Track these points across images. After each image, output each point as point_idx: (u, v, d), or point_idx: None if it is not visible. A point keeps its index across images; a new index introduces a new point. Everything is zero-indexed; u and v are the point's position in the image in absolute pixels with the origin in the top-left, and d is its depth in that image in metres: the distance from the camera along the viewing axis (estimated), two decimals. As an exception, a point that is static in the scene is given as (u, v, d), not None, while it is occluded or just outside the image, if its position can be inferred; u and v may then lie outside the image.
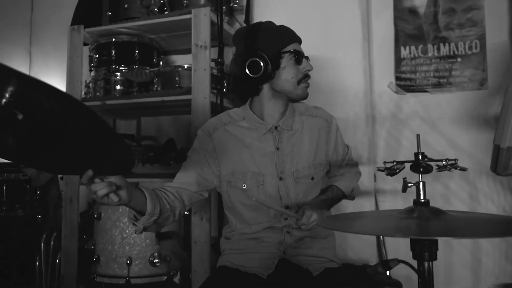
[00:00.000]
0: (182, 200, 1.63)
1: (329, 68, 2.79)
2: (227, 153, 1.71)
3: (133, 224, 1.49)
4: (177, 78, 2.61)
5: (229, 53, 2.83)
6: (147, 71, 2.82)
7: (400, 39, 2.73)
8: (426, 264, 1.03)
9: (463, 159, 2.45)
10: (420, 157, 1.08)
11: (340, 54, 2.81)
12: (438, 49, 2.66)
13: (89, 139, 1.08)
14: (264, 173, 1.69)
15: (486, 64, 2.57)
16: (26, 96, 0.96)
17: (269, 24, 1.74)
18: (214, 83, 2.49)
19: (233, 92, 2.11)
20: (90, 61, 2.91)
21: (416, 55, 2.70)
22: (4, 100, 0.95)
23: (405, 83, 2.71)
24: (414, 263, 1.07)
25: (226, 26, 2.64)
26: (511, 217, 1.10)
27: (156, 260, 2.38)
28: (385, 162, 1.13)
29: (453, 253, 2.57)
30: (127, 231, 2.40)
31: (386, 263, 1.07)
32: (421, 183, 1.06)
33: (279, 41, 1.66)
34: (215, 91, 2.48)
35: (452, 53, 2.64)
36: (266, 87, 1.69)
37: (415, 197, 1.11)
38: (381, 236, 2.62)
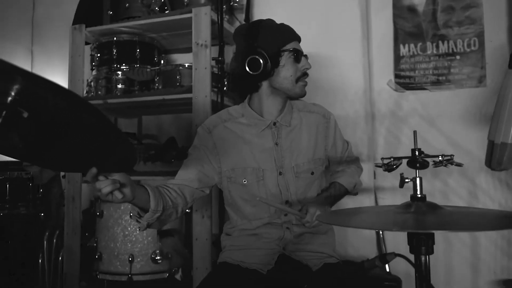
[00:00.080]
0: (184, 196, 1.65)
1: (329, 66, 2.81)
2: (227, 149, 1.74)
3: (137, 221, 1.51)
4: (178, 77, 2.63)
5: (230, 51, 2.85)
6: (148, 70, 2.85)
7: (399, 37, 2.75)
8: (423, 258, 1.05)
9: (461, 156, 2.47)
10: (417, 153, 1.10)
11: (339, 52, 2.83)
12: (437, 46, 2.68)
13: (93, 137, 1.09)
14: (264, 169, 1.71)
15: (485, 62, 2.59)
16: (32, 94, 0.97)
17: (270, 22, 1.75)
18: (214, 81, 2.51)
19: (233, 89, 2.14)
20: (92, 60, 2.93)
21: (415, 53, 2.72)
22: (10, 98, 0.97)
23: (404, 81, 2.73)
24: (412, 258, 1.09)
25: (226, 25, 2.66)
26: (507, 212, 1.12)
27: (158, 257, 2.39)
28: (382, 158, 1.16)
29: (452, 249, 2.59)
30: (129, 228, 2.42)
31: (384, 257, 1.09)
32: (417, 179, 1.08)
33: (279, 39, 1.68)
34: (215, 89, 2.50)
35: (450, 50, 2.66)
36: (265, 84, 1.72)
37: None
38: (380, 233, 2.64)
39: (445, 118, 2.65)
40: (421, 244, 1.04)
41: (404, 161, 1.16)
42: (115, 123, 3.37)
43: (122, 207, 2.42)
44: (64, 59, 2.89)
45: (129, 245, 2.40)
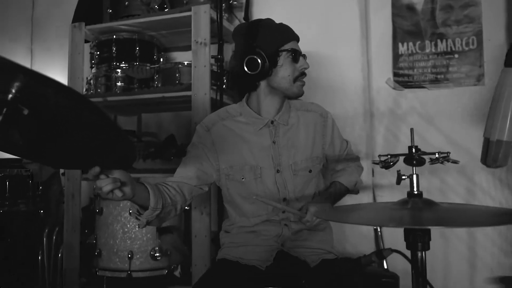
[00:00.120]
0: (183, 194, 1.67)
1: (328, 65, 2.82)
2: (226, 147, 1.75)
3: (136, 218, 1.52)
4: (177, 75, 2.64)
5: (229, 49, 2.86)
6: (147, 67, 2.86)
7: (398, 36, 2.76)
8: (419, 254, 1.07)
9: (460, 154, 2.49)
10: (413, 150, 1.11)
11: (339, 50, 2.84)
12: (436, 45, 2.69)
13: (93, 134, 1.10)
14: (261, 166, 1.73)
15: (483, 60, 2.60)
16: (32, 91, 0.98)
17: (269, 22, 1.76)
18: (214, 79, 2.52)
19: (232, 88, 2.15)
20: (91, 58, 2.94)
21: (414, 51, 2.73)
22: (10, 96, 0.98)
23: (403, 79, 2.74)
24: (408, 254, 1.11)
25: (225, 23, 2.67)
26: (504, 209, 1.13)
27: (157, 254, 2.40)
28: (379, 156, 1.17)
29: (449, 247, 2.61)
30: (128, 225, 2.43)
31: (380, 253, 1.10)
32: (414, 176, 1.09)
33: (277, 39, 1.69)
34: (215, 87, 2.51)
35: (449, 49, 2.67)
36: (263, 84, 1.73)
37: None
38: (378, 230, 2.66)
39: (443, 116, 2.66)
40: (418, 240, 1.05)
41: (402, 158, 1.17)
42: (115, 120, 3.38)
43: (121, 204, 2.43)
44: (64, 57, 2.90)
45: (129, 242, 2.41)
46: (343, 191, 1.88)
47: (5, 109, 1.00)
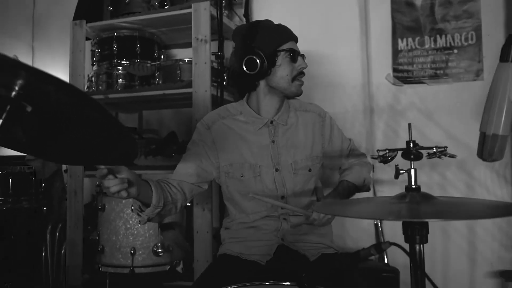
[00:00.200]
0: (184, 192, 1.70)
1: (327, 61, 2.84)
2: (226, 145, 1.78)
3: (138, 214, 1.55)
4: (178, 72, 2.65)
5: (229, 46, 2.87)
6: (148, 65, 2.87)
7: (397, 32, 2.77)
8: (417, 247, 1.08)
9: (459, 149, 2.51)
10: (411, 145, 1.13)
11: (338, 47, 2.85)
12: (435, 40, 2.70)
13: (95, 131, 1.12)
14: (260, 165, 1.76)
15: (482, 55, 2.61)
16: (35, 88, 1.00)
17: (268, 23, 1.79)
18: (214, 76, 2.53)
19: (233, 86, 2.18)
20: (92, 56, 2.95)
21: (413, 47, 2.74)
22: (13, 93, 0.99)
23: (403, 75, 2.75)
24: (407, 247, 1.12)
25: (225, 20, 2.68)
26: (502, 202, 1.14)
27: (159, 250, 2.42)
28: (378, 150, 1.18)
29: (449, 241, 2.62)
30: (130, 222, 2.45)
31: (379, 246, 1.12)
32: (412, 170, 1.10)
33: (275, 39, 1.72)
34: (215, 84, 2.52)
35: (448, 44, 2.68)
36: (262, 83, 1.76)
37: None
38: (378, 224, 2.68)
39: (443, 111, 2.67)
40: (416, 233, 1.06)
41: (400, 153, 1.19)
42: (116, 117, 3.39)
43: (123, 201, 2.45)
44: (65, 54, 2.91)
45: (131, 238, 2.43)
46: (352, 189, 1.88)
47: (8, 106, 1.02)
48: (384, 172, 2.71)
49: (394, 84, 2.76)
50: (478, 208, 1.11)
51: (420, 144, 1.14)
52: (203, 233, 2.43)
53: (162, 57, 3.01)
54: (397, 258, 2.53)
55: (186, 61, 2.67)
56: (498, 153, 1.16)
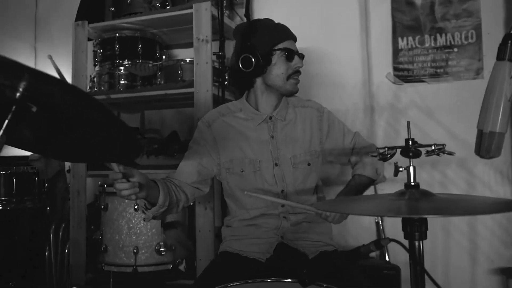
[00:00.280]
0: (186, 194, 1.76)
1: (328, 60, 2.85)
2: (226, 142, 1.82)
3: (143, 212, 1.61)
4: (179, 72, 2.67)
5: (230, 46, 2.88)
6: (150, 65, 2.88)
7: (397, 30, 2.78)
8: (416, 243, 1.10)
9: (460, 147, 2.51)
10: (410, 142, 1.14)
11: (338, 46, 2.86)
12: (435, 39, 2.71)
13: (98, 130, 1.14)
14: (260, 160, 1.79)
15: (482, 54, 2.62)
16: (39, 90, 1.02)
17: (266, 22, 1.83)
18: (215, 76, 2.55)
19: (232, 85, 2.21)
20: (95, 56, 2.97)
21: (413, 45, 2.75)
22: (18, 94, 1.02)
23: (403, 74, 2.76)
24: (407, 244, 1.13)
25: (226, 20, 2.69)
26: (501, 199, 1.16)
27: (162, 249, 2.43)
28: (377, 148, 1.20)
29: (450, 238, 2.63)
30: (133, 221, 2.46)
31: (378, 242, 1.13)
32: (411, 167, 1.12)
33: (272, 38, 1.75)
34: (217, 84, 2.54)
35: (448, 43, 2.69)
36: (259, 81, 1.80)
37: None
38: (379, 222, 2.69)
39: (443, 110, 2.68)
40: (415, 230, 1.08)
41: (399, 151, 1.20)
42: (118, 117, 3.41)
43: (126, 201, 2.46)
44: (67, 55, 2.93)
45: (134, 237, 2.44)
46: (366, 182, 1.88)
47: (14, 107, 1.04)
48: (385, 171, 2.72)
49: (394, 82, 2.78)
50: (477, 204, 1.12)
51: (421, 142, 1.15)
52: (205, 232, 2.44)
53: (163, 57, 3.03)
54: (398, 256, 2.54)
55: (188, 61, 2.69)
56: (495, 150, 1.18)
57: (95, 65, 2.98)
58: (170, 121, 3.33)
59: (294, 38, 1.82)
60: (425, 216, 1.03)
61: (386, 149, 1.18)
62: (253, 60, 1.73)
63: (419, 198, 1.09)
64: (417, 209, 1.05)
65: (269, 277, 1.38)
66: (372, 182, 1.90)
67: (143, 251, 2.43)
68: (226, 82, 2.57)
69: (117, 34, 2.86)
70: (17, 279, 2.86)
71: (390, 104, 2.77)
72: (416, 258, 1.10)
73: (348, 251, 1.22)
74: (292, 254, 1.76)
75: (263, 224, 1.80)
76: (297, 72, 1.79)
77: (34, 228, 2.97)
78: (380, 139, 2.77)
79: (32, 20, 3.82)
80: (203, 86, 2.48)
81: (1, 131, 1.02)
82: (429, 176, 2.65)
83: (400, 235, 1.11)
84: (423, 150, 1.15)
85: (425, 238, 1.09)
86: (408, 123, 1.17)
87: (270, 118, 1.82)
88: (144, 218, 1.65)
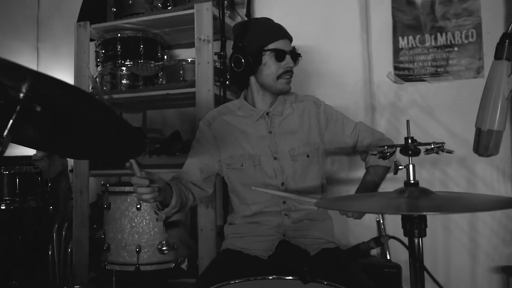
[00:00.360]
0: (193, 194, 1.81)
1: (328, 59, 2.86)
2: (226, 139, 1.87)
3: (155, 213, 1.68)
4: (181, 72, 2.69)
5: (231, 46, 2.90)
6: (152, 65, 2.90)
7: (398, 30, 2.79)
8: (416, 241, 1.11)
9: (460, 145, 2.52)
10: (409, 141, 1.15)
11: (339, 45, 2.87)
12: (435, 38, 2.72)
13: (100, 128, 1.16)
14: (259, 155, 1.83)
15: (482, 53, 2.63)
16: (41, 90, 1.04)
17: (258, 22, 1.88)
18: (217, 76, 2.56)
19: (230, 83, 2.26)
20: (97, 57, 2.99)
21: (414, 45, 2.76)
22: (22, 95, 1.04)
23: (404, 73, 2.78)
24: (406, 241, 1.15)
25: (228, 20, 2.70)
26: (501, 196, 1.17)
27: (164, 248, 2.45)
28: (377, 147, 1.21)
29: (450, 237, 2.64)
30: (135, 220, 2.48)
31: (378, 239, 1.15)
32: (410, 165, 1.13)
33: (262, 39, 1.78)
34: (218, 83, 2.55)
35: (449, 42, 2.70)
36: (253, 80, 1.85)
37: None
38: (380, 221, 2.70)
39: (443, 108, 2.69)
40: (414, 227, 1.09)
41: (399, 150, 1.21)
42: (121, 117, 3.41)
43: (128, 200, 2.48)
44: (70, 55, 2.94)
45: (136, 236, 2.46)
46: (381, 172, 1.83)
47: (18, 107, 1.06)
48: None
49: (395, 82, 2.79)
50: (476, 201, 1.13)
51: (422, 141, 1.16)
52: (207, 230, 2.46)
53: (165, 57, 3.04)
54: (399, 254, 2.55)
55: (189, 61, 2.70)
56: (493, 148, 1.19)
57: (97, 66, 2.99)
58: (172, 120, 3.34)
59: (287, 37, 1.83)
60: (424, 213, 1.04)
61: (385, 147, 1.19)
62: (243, 60, 1.78)
63: (419, 196, 1.10)
64: (417, 206, 1.06)
65: (272, 274, 1.39)
66: (387, 170, 1.85)
67: (146, 250, 2.44)
68: (227, 82, 2.58)
69: (119, 35, 2.87)
70: (20, 278, 2.88)
71: (391, 103, 2.79)
72: (416, 255, 1.11)
73: (348, 248, 1.24)
74: (294, 251, 1.78)
75: (265, 222, 1.82)
76: (288, 72, 1.81)
77: (37, 227, 2.99)
78: (381, 138, 2.78)
79: (35, 20, 3.83)
80: (205, 85, 2.49)
81: (6, 130, 1.03)
82: (429, 175, 2.66)
83: (400, 234, 1.12)
84: (422, 148, 1.16)
85: (425, 235, 1.10)
86: (408, 121, 1.18)
87: (268, 114, 1.86)
88: (156, 219, 1.70)
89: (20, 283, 2.87)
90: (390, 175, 1.70)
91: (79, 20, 2.95)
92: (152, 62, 2.91)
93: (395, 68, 2.79)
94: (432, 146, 1.13)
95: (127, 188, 2.51)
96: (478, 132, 1.21)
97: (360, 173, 2.64)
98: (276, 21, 1.87)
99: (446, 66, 2.70)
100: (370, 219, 2.74)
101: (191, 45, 2.75)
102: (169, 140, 2.86)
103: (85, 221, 2.77)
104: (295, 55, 1.82)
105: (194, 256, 2.54)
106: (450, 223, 2.64)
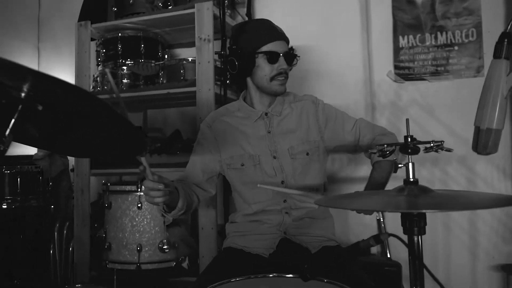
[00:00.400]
0: (197, 196, 1.85)
1: (329, 59, 2.87)
2: (226, 140, 1.89)
3: (162, 215, 1.72)
4: (181, 71, 2.69)
5: (230, 46, 2.90)
6: (152, 64, 2.90)
7: (398, 29, 2.80)
8: (415, 238, 1.11)
9: (460, 144, 2.52)
10: (409, 139, 1.16)
11: (340, 45, 2.88)
12: (436, 38, 2.73)
13: (102, 127, 1.17)
14: (259, 154, 1.84)
15: (483, 52, 2.64)
16: (43, 90, 1.05)
17: (253, 24, 1.91)
18: (217, 75, 2.56)
19: (230, 84, 2.29)
20: (98, 56, 2.99)
21: (414, 44, 2.77)
22: (23, 94, 1.05)
23: (404, 72, 2.78)
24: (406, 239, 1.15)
25: (228, 20, 2.70)
26: (500, 195, 1.17)
27: (165, 247, 2.45)
28: (377, 145, 1.22)
29: (450, 235, 2.65)
30: (136, 219, 2.48)
31: (378, 237, 1.15)
32: (410, 164, 1.14)
33: (255, 41, 1.79)
34: (219, 83, 2.55)
35: (449, 41, 2.70)
36: (249, 81, 1.87)
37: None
38: (381, 220, 2.71)
39: (443, 107, 2.70)
40: (414, 225, 1.10)
41: (398, 148, 1.22)
42: (122, 117, 3.42)
43: (129, 199, 2.49)
44: (71, 55, 2.95)
45: (137, 235, 2.46)
46: (387, 167, 1.78)
47: (20, 106, 1.07)
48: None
49: (395, 81, 2.79)
50: (475, 199, 1.14)
51: (422, 139, 1.17)
52: (208, 229, 2.47)
53: (166, 56, 3.05)
54: (399, 253, 2.56)
55: (190, 60, 2.70)
56: (492, 146, 1.20)
57: (98, 65, 3.00)
58: (172, 120, 3.35)
59: (282, 39, 1.82)
60: (424, 211, 1.05)
61: (385, 146, 1.20)
62: (236, 63, 1.80)
63: (418, 194, 1.11)
64: (416, 204, 1.07)
65: (273, 272, 1.40)
66: (393, 164, 1.78)
67: (147, 248, 2.45)
68: (228, 81, 2.58)
69: (119, 34, 2.88)
70: (21, 277, 2.89)
71: (391, 102, 2.79)
72: (415, 253, 1.11)
73: (348, 246, 1.24)
74: (295, 249, 1.79)
75: (266, 221, 1.83)
76: (281, 73, 1.80)
77: (38, 226, 3.00)
78: (381, 137, 2.79)
79: (35, 20, 3.84)
80: (205, 85, 2.50)
81: (8, 130, 1.04)
82: (429, 173, 2.66)
83: (400, 232, 1.13)
84: (421, 146, 1.17)
85: (424, 233, 1.11)
86: (407, 120, 1.19)
87: (266, 114, 1.88)
88: (164, 221, 1.85)
89: (21, 282, 2.88)
90: (396, 176, 1.68)
91: (80, 19, 2.95)
92: (153, 61, 2.92)
93: (396, 67, 2.79)
94: (432, 144, 1.14)
95: (128, 187, 2.51)
96: (477, 131, 1.21)
97: (360, 171, 2.67)
98: (276, 20, 1.87)
99: (446, 65, 2.70)
100: (370, 217, 2.74)
101: (191, 44, 2.75)
102: (169, 139, 2.87)
103: (86, 220, 2.78)
104: (290, 57, 1.81)
105: (195, 254, 2.55)
106: (450, 221, 2.64)
